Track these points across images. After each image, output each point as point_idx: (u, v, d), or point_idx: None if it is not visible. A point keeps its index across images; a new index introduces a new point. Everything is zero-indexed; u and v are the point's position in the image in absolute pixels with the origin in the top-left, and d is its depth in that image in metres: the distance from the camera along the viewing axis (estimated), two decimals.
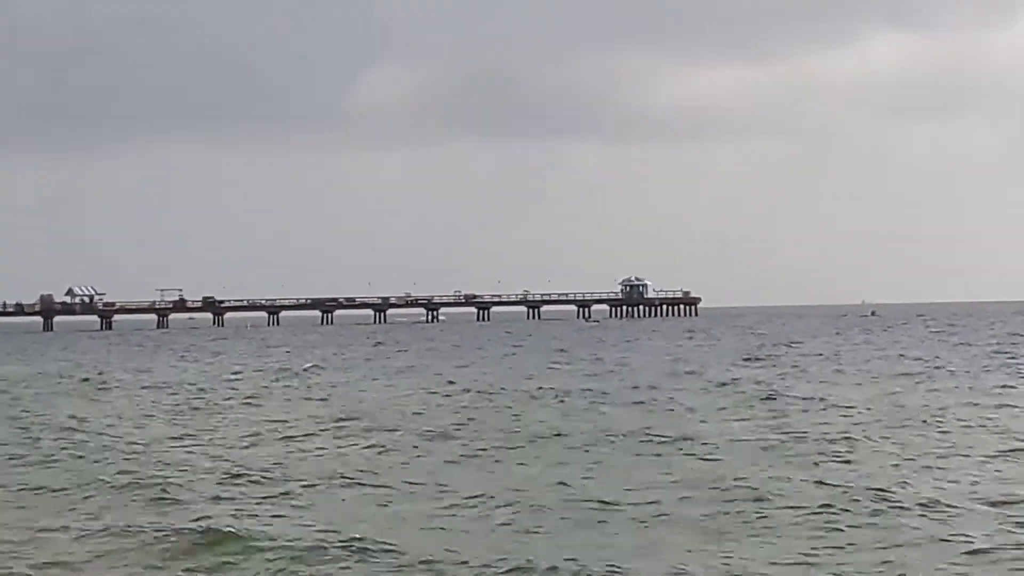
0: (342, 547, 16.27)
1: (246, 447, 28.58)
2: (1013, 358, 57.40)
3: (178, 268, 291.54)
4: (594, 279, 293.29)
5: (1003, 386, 40.42)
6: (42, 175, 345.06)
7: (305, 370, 60.41)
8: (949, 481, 20.65)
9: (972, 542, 15.86)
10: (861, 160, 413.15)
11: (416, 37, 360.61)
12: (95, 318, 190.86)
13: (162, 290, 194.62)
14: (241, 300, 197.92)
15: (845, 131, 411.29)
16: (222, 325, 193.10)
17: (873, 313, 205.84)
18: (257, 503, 20.10)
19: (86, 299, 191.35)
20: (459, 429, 30.73)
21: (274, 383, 51.35)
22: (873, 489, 19.46)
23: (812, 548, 15.85)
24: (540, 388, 43.34)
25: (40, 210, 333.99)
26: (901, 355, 63.09)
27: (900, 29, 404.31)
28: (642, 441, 27.28)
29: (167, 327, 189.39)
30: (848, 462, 23.22)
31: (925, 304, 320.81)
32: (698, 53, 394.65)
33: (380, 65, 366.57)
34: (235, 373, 60.29)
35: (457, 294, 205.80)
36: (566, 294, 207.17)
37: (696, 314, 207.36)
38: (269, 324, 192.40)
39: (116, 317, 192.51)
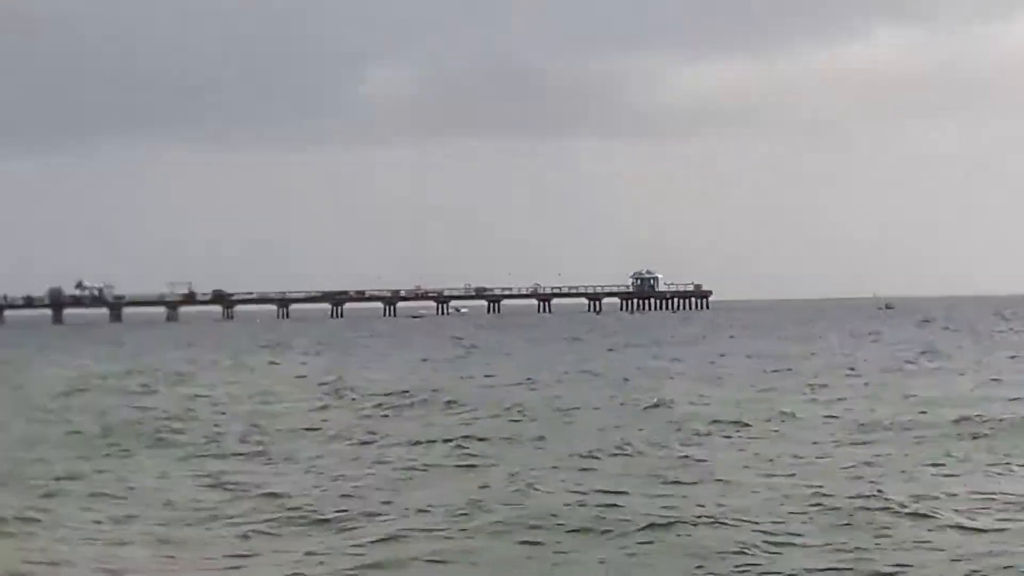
0: None
1: None
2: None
3: (188, 261, 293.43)
4: (606, 273, 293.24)
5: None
6: (52, 168, 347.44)
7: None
8: None
9: None
10: (869, 154, 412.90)
11: (427, 33, 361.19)
12: (105, 311, 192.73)
13: (172, 283, 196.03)
14: (251, 293, 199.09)
15: (852, 125, 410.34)
16: (231, 318, 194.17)
17: (887, 306, 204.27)
18: None
19: (95, 292, 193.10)
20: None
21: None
22: None
23: None
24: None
25: (51, 203, 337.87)
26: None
27: (904, 23, 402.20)
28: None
29: (177, 320, 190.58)
30: None
31: (944, 298, 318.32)
32: (706, 49, 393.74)
33: (389, 60, 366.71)
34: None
35: (467, 287, 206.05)
36: (576, 287, 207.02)
37: (707, 307, 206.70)
38: (279, 317, 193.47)
39: (126, 310, 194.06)
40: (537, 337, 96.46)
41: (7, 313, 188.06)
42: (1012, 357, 54.62)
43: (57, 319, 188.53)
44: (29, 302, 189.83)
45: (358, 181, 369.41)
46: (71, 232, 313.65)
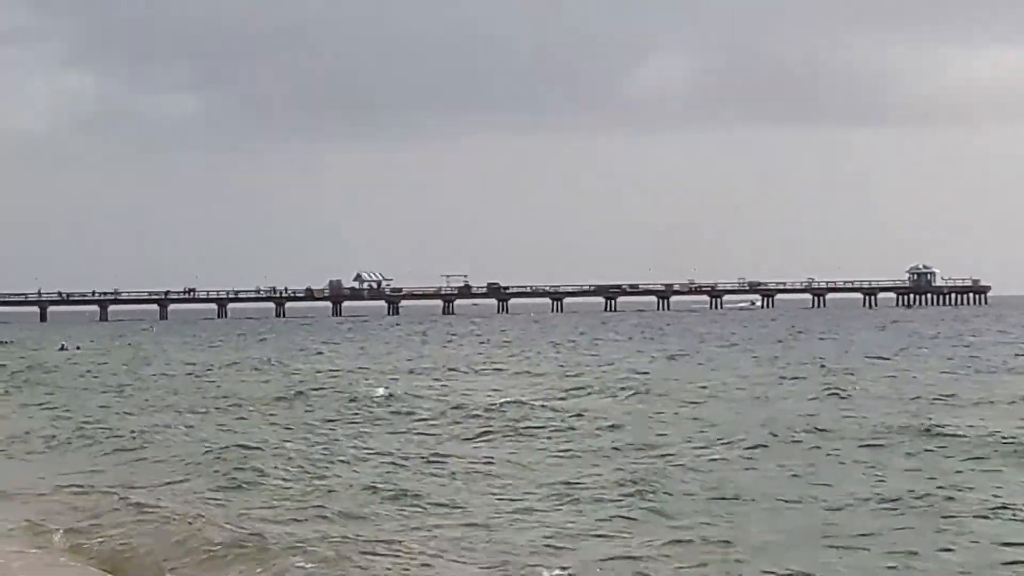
0: None
1: None
2: None
3: (463, 254, 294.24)
4: (881, 267, 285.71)
5: None
6: (337, 164, 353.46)
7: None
8: None
9: None
10: None
11: (693, 23, 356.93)
12: (382, 303, 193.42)
13: (447, 276, 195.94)
14: (525, 286, 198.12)
15: None
16: (506, 311, 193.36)
17: None
18: None
19: (373, 284, 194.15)
20: None
21: None
22: None
23: None
24: None
25: (334, 196, 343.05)
26: None
27: None
28: None
29: (452, 312, 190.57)
30: None
31: None
32: (976, 36, 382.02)
33: (659, 51, 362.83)
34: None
35: (741, 281, 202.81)
36: (851, 282, 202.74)
37: (985, 302, 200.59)
38: (553, 311, 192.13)
39: (403, 303, 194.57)
40: None
41: (288, 305, 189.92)
42: None
43: (336, 311, 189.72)
44: (310, 294, 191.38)
45: (625, 172, 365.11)
46: (351, 222, 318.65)
